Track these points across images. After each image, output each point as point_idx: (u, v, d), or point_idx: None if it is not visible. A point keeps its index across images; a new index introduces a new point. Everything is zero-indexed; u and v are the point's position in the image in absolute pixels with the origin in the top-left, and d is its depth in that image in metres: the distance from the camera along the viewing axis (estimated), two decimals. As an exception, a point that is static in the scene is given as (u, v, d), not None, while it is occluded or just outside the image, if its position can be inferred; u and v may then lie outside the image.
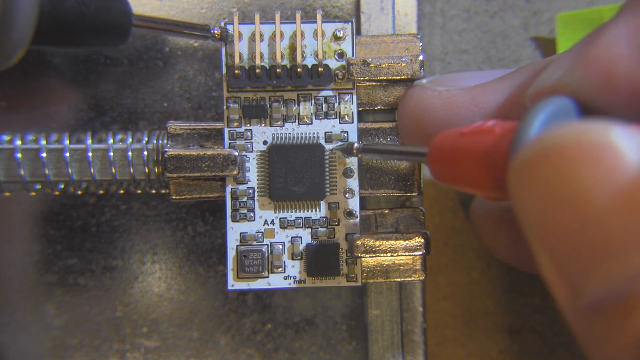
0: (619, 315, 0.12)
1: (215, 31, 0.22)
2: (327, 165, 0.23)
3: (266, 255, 0.23)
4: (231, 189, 0.23)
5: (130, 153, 0.23)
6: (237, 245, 0.23)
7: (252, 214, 0.23)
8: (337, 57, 0.22)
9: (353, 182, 0.23)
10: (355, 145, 0.22)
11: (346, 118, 0.23)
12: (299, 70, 0.22)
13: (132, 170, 0.23)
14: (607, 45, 0.15)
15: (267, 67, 0.22)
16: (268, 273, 0.23)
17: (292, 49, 0.22)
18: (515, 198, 0.14)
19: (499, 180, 0.15)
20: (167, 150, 0.22)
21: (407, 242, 0.22)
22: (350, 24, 0.22)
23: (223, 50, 0.22)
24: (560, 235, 0.13)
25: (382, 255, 0.22)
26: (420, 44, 0.23)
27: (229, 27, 0.22)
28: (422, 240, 0.22)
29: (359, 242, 0.22)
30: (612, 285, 0.12)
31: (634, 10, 0.15)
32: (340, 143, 0.22)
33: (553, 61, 0.16)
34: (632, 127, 0.13)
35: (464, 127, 0.17)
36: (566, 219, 0.13)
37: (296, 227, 0.23)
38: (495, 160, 0.15)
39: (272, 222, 0.23)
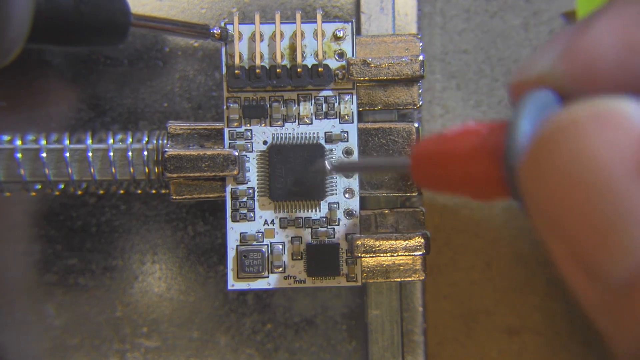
0: None
1: (215, 31, 0.22)
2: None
3: (266, 255, 0.23)
4: (231, 189, 0.23)
5: (130, 153, 0.23)
6: (237, 245, 0.23)
7: (252, 214, 0.23)
8: (337, 57, 0.22)
9: (353, 182, 0.23)
10: (327, 164, 0.21)
11: (346, 118, 0.23)
12: (299, 70, 0.22)
13: (132, 170, 0.23)
14: (594, 41, 0.14)
15: (267, 67, 0.22)
16: (268, 273, 0.23)
17: (292, 49, 0.22)
18: (528, 189, 0.14)
19: (494, 177, 0.15)
20: (167, 150, 0.22)
21: (407, 242, 0.22)
22: (350, 24, 0.22)
23: (223, 50, 0.22)
24: (578, 216, 0.13)
25: (382, 255, 0.22)
26: (420, 44, 0.23)
27: (229, 27, 0.22)
28: (422, 240, 0.22)
29: (359, 242, 0.22)
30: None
31: (623, 4, 0.15)
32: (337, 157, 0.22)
33: (541, 50, 0.16)
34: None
35: (443, 132, 0.17)
36: (583, 195, 0.13)
37: (296, 227, 0.23)
38: (490, 155, 0.15)
39: (272, 222, 0.23)
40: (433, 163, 0.17)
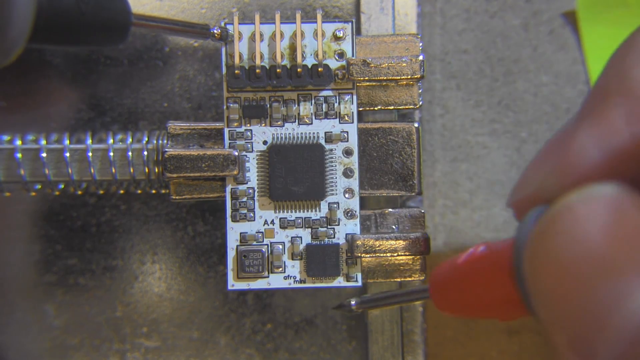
0: None
1: (215, 31, 0.22)
2: (327, 165, 0.23)
3: (266, 255, 0.23)
4: (231, 189, 0.23)
5: (130, 153, 0.23)
6: (237, 245, 0.23)
7: (252, 214, 0.23)
8: (337, 57, 0.22)
9: (353, 182, 0.23)
10: (352, 304, 0.22)
11: (346, 118, 0.23)
12: (299, 70, 0.22)
13: (132, 170, 0.23)
14: (579, 153, 0.15)
15: (267, 67, 0.22)
16: (268, 273, 0.23)
17: (292, 49, 0.22)
18: (530, 281, 0.14)
19: (512, 295, 0.16)
20: (167, 150, 0.22)
21: (407, 242, 0.22)
22: (350, 24, 0.22)
23: (223, 50, 0.22)
24: (571, 299, 0.13)
25: (382, 255, 0.22)
26: (420, 44, 0.23)
27: (229, 27, 0.22)
28: (422, 240, 0.22)
29: (359, 242, 0.22)
30: (627, 332, 0.12)
31: (596, 112, 0.16)
32: (342, 302, 0.22)
33: (530, 168, 0.17)
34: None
35: (456, 258, 0.18)
36: (575, 277, 0.13)
37: (296, 227, 0.23)
38: (504, 275, 0.16)
39: (272, 222, 0.23)
40: (451, 290, 0.18)
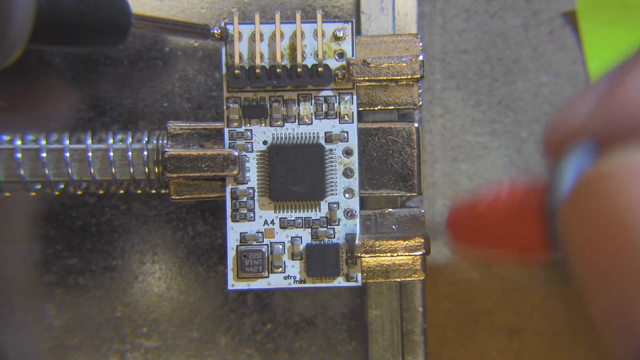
0: None
1: (215, 31, 0.22)
2: (327, 165, 0.23)
3: (266, 255, 0.23)
4: (231, 189, 0.23)
5: (130, 153, 0.23)
6: (237, 245, 0.23)
7: (252, 214, 0.23)
8: (337, 57, 0.22)
9: (353, 182, 0.23)
10: (357, 242, 0.22)
11: (346, 118, 0.23)
12: (299, 70, 0.22)
13: (132, 170, 0.23)
14: (634, 92, 0.14)
15: (267, 67, 0.22)
16: (268, 273, 0.23)
17: (292, 49, 0.22)
18: (568, 243, 0.14)
19: (536, 240, 0.15)
20: (167, 150, 0.22)
21: (407, 242, 0.22)
22: (350, 24, 0.22)
23: (223, 50, 0.22)
24: (614, 268, 0.13)
25: (382, 255, 0.22)
26: (420, 44, 0.23)
27: (229, 27, 0.22)
28: (422, 240, 0.22)
29: (359, 242, 0.22)
30: None
31: None
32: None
33: (576, 101, 0.16)
34: None
35: (477, 199, 0.17)
36: (616, 247, 0.12)
37: (296, 227, 0.23)
38: (529, 220, 0.15)
39: (272, 222, 0.23)
40: (471, 236, 0.17)
